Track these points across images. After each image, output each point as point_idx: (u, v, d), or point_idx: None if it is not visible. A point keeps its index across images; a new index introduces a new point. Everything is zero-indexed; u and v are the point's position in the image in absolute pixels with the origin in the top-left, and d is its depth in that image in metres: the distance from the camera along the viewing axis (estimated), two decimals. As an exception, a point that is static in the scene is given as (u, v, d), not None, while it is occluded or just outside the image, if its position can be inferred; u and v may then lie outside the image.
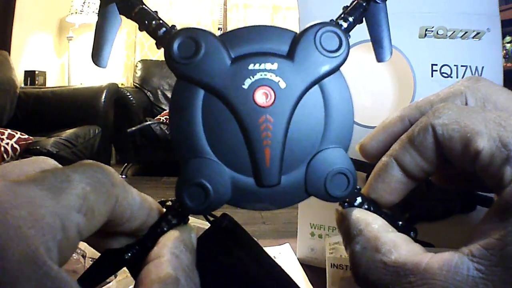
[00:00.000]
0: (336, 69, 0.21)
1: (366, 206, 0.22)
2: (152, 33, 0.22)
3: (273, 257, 0.26)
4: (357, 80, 0.50)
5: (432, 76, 0.46)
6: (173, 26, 0.22)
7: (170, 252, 0.19)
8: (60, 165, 0.20)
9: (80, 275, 0.20)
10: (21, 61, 2.87)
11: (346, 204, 0.22)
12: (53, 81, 3.20)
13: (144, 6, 0.22)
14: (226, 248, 0.24)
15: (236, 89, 0.20)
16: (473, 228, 0.19)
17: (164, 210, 0.22)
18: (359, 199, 0.22)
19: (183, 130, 0.21)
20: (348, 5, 0.23)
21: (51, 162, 0.20)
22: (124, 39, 3.35)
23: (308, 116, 0.21)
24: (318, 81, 0.21)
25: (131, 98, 2.77)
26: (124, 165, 2.94)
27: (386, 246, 0.20)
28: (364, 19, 0.23)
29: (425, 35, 0.46)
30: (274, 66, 0.21)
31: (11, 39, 2.65)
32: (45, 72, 3.03)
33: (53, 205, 0.15)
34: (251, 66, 0.21)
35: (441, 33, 0.45)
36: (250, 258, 0.25)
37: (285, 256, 0.54)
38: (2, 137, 2.01)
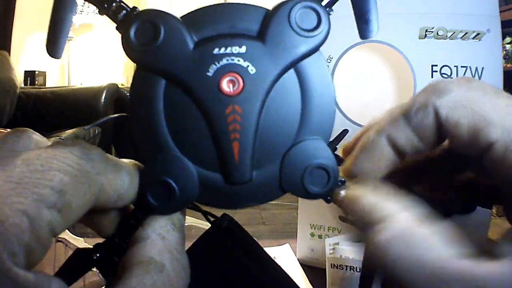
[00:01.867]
0: (314, 50, 0.19)
1: None
2: (112, 17, 0.19)
3: (273, 258, 0.26)
4: (357, 81, 0.50)
5: (432, 77, 0.46)
6: (134, 7, 0.19)
7: (156, 233, 0.18)
8: (43, 142, 0.18)
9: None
10: (21, 61, 2.87)
11: (329, 198, 0.20)
12: (53, 81, 3.20)
13: None
14: (226, 248, 0.24)
15: (200, 77, 0.18)
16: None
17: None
18: (343, 193, 0.20)
19: (144, 124, 0.19)
20: None
21: (33, 141, 0.18)
22: (124, 39, 3.34)
23: (283, 104, 0.19)
24: (293, 64, 0.19)
25: (131, 98, 2.77)
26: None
27: (423, 241, 0.17)
28: None
29: (425, 35, 0.46)
30: (242, 49, 0.18)
31: (11, 39, 2.64)
32: (45, 72, 3.03)
33: (21, 202, 0.14)
34: (216, 51, 0.18)
35: (441, 34, 0.45)
36: (250, 258, 0.25)
37: (285, 256, 0.54)
38: (2, 137, 2.00)
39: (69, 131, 2.22)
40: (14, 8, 2.66)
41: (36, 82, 2.90)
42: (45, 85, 2.98)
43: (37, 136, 0.18)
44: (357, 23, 0.20)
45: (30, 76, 2.89)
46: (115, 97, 2.61)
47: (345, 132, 0.55)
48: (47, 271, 0.15)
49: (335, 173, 0.19)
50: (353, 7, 0.20)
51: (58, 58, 0.20)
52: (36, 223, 0.14)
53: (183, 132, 0.19)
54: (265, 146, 0.19)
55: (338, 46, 0.48)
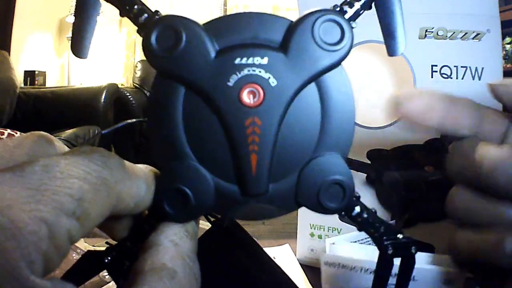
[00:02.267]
0: (336, 64, 0.19)
1: (365, 216, 0.20)
2: (134, 19, 0.19)
3: (272, 258, 0.26)
4: (357, 81, 0.50)
5: (432, 77, 0.46)
6: (156, 11, 0.19)
7: (169, 240, 0.18)
8: (61, 147, 0.18)
9: (60, 277, 0.19)
10: (20, 61, 2.87)
11: (343, 213, 0.20)
12: (53, 81, 3.19)
13: None
14: (226, 248, 0.24)
15: (220, 86, 0.18)
16: None
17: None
18: (357, 209, 0.20)
19: (162, 131, 0.19)
20: None
21: (50, 145, 0.18)
22: (124, 39, 3.34)
23: (302, 118, 0.19)
24: (315, 78, 0.19)
25: (131, 98, 2.76)
26: (124, 165, 2.93)
27: None
28: (373, 5, 0.20)
29: (425, 36, 0.46)
30: (264, 60, 0.18)
31: (11, 39, 2.64)
32: (45, 72, 3.02)
33: (40, 209, 0.13)
34: (237, 60, 0.18)
35: (441, 34, 0.45)
36: (250, 258, 0.25)
37: (284, 256, 0.54)
38: (1, 137, 2.00)
39: (69, 131, 2.22)
40: (14, 8, 2.66)
41: (36, 82, 2.90)
42: (45, 85, 2.98)
43: (55, 141, 0.18)
44: (384, 39, 0.20)
45: (30, 76, 2.88)
46: (115, 97, 2.61)
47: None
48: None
49: (350, 189, 0.19)
50: (380, 23, 0.20)
51: (84, 58, 0.20)
52: (55, 231, 0.14)
53: (201, 141, 0.19)
54: (283, 159, 0.19)
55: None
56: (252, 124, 0.18)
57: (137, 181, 0.18)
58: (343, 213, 0.20)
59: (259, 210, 0.20)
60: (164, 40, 0.18)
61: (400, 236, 0.20)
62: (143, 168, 0.19)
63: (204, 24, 0.19)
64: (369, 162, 0.49)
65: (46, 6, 3.07)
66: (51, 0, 3.13)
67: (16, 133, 2.22)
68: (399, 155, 0.49)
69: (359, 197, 0.20)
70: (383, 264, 0.21)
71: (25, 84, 2.86)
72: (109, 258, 0.19)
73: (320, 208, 0.19)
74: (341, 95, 0.19)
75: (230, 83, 0.18)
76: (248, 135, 0.18)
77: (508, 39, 2.29)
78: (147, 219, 0.20)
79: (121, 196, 0.17)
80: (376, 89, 0.50)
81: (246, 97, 0.18)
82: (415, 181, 0.49)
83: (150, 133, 0.19)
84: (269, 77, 0.18)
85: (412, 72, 0.47)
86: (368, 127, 0.49)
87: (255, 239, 0.26)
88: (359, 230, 0.21)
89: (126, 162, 0.18)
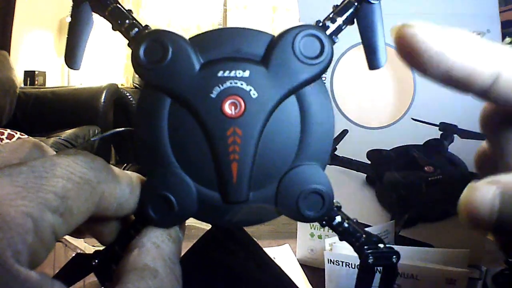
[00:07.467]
0: (316, 77, 0.19)
1: (346, 225, 0.21)
2: (125, 34, 0.20)
3: (272, 258, 0.26)
4: (357, 81, 0.50)
5: (432, 77, 0.46)
6: (146, 26, 0.20)
7: (151, 242, 0.19)
8: (47, 150, 0.19)
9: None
10: (20, 61, 2.87)
11: (324, 222, 0.21)
12: (53, 81, 3.19)
13: (118, 4, 0.21)
14: (226, 248, 0.24)
15: (204, 98, 0.19)
16: None
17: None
18: (338, 219, 0.21)
19: (147, 139, 0.20)
20: (339, 4, 0.21)
21: (39, 150, 0.19)
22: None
23: (282, 129, 0.20)
24: (295, 90, 0.19)
25: (131, 99, 2.76)
26: (124, 165, 2.93)
27: None
28: (355, 20, 0.21)
29: (425, 36, 0.46)
30: (246, 73, 0.19)
31: (11, 39, 2.64)
32: (45, 72, 3.02)
33: (26, 205, 0.14)
34: (220, 73, 0.19)
35: (441, 34, 0.45)
36: (250, 258, 0.25)
37: (284, 256, 0.54)
38: (1, 137, 2.00)
39: (69, 131, 2.22)
40: (14, 8, 2.66)
41: (36, 82, 2.89)
42: (45, 85, 2.97)
43: (45, 147, 0.19)
44: (366, 53, 0.21)
45: (30, 76, 2.88)
46: (115, 97, 2.61)
47: (345, 132, 0.55)
48: (47, 271, 0.15)
49: (330, 198, 0.20)
50: (361, 38, 0.21)
51: (77, 69, 0.22)
52: (39, 225, 0.14)
53: (185, 149, 0.20)
54: (263, 168, 0.20)
55: (338, 46, 0.48)
56: (233, 134, 0.19)
57: (121, 183, 0.18)
58: (324, 222, 0.21)
59: (239, 217, 0.20)
60: (152, 53, 0.19)
61: (381, 245, 0.21)
62: (128, 173, 0.20)
63: (190, 38, 0.19)
64: (369, 162, 0.49)
65: (46, 6, 3.07)
66: (51, 0, 3.13)
67: (16, 133, 2.22)
68: (399, 155, 0.49)
69: (340, 207, 0.21)
70: (364, 273, 0.21)
71: (25, 84, 2.86)
72: (96, 261, 0.20)
73: (299, 216, 0.20)
74: (321, 107, 0.20)
75: (213, 95, 0.19)
76: (229, 144, 0.19)
77: (508, 39, 2.30)
78: (134, 224, 0.20)
79: (104, 196, 0.17)
80: (376, 89, 0.50)
81: (228, 108, 0.19)
82: (415, 181, 0.49)
83: (136, 141, 0.20)
84: (250, 89, 0.19)
85: (412, 72, 0.47)
86: (368, 127, 0.49)
87: (255, 239, 0.26)
88: (340, 239, 0.21)
89: (111, 166, 0.18)
